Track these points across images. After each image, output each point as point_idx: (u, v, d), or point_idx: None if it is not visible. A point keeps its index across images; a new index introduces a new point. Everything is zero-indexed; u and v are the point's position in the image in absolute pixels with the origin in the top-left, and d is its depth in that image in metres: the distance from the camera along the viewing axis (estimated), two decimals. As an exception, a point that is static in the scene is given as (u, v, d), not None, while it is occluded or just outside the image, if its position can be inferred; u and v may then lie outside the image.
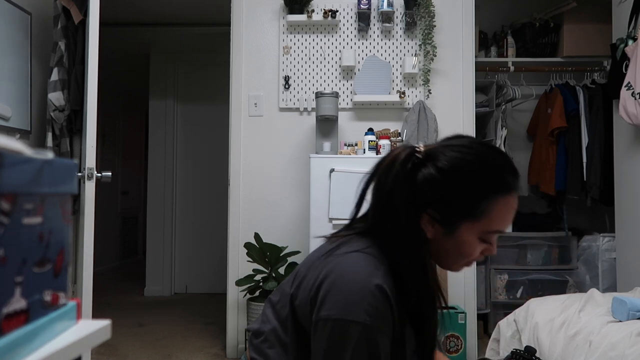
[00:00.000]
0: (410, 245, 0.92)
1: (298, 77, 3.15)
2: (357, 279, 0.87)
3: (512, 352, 1.61)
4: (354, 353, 0.85)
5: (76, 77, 2.89)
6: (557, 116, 3.47)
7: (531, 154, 3.76)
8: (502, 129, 3.53)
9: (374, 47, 3.15)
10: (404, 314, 0.92)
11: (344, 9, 3.16)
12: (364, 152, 2.86)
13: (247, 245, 2.90)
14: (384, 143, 2.86)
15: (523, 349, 1.79)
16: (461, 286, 3.06)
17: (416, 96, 3.13)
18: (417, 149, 0.94)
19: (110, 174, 2.47)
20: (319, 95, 2.88)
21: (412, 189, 0.91)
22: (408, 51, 3.15)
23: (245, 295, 2.95)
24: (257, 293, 2.89)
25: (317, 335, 0.89)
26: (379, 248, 0.93)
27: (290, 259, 2.91)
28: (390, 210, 0.92)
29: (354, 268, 0.89)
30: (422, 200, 0.91)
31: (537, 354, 1.74)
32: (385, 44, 3.16)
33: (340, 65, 3.13)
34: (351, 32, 3.16)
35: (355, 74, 3.13)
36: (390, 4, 3.06)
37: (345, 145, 2.92)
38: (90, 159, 2.42)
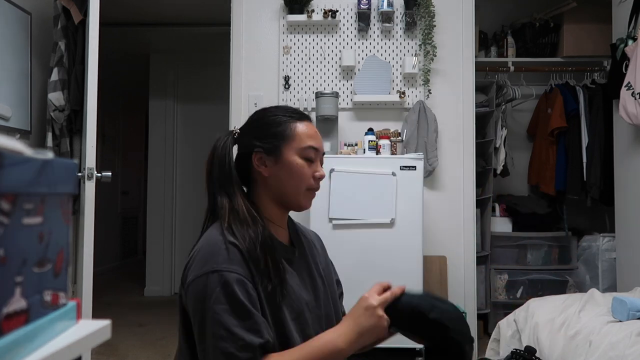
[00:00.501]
0: (236, 191, 1.13)
1: (298, 77, 3.15)
2: (208, 246, 1.05)
3: (512, 352, 1.61)
4: (214, 299, 0.98)
5: (76, 77, 2.89)
6: (557, 116, 3.47)
7: (531, 154, 3.76)
8: (502, 129, 3.53)
9: (374, 47, 3.15)
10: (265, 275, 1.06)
11: (344, 9, 3.16)
12: (364, 152, 2.86)
13: (247, 245, 2.90)
14: (384, 143, 2.86)
15: (523, 349, 1.79)
16: (461, 286, 3.06)
17: (416, 96, 3.13)
18: (234, 129, 1.20)
19: (110, 174, 2.47)
20: (319, 95, 2.88)
21: (233, 152, 1.15)
22: (408, 51, 3.15)
23: (245, 295, 2.95)
24: (257, 293, 2.89)
25: (187, 305, 1.03)
26: (215, 217, 1.14)
27: (290, 259, 2.91)
28: (215, 171, 1.15)
29: (205, 243, 1.07)
30: (246, 148, 1.15)
31: (537, 354, 1.74)
32: (385, 44, 3.16)
33: (340, 65, 3.13)
34: (351, 32, 3.16)
35: (355, 74, 3.13)
36: (390, 4, 3.06)
37: (345, 145, 2.92)
38: (90, 159, 2.42)
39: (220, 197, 1.13)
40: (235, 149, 1.19)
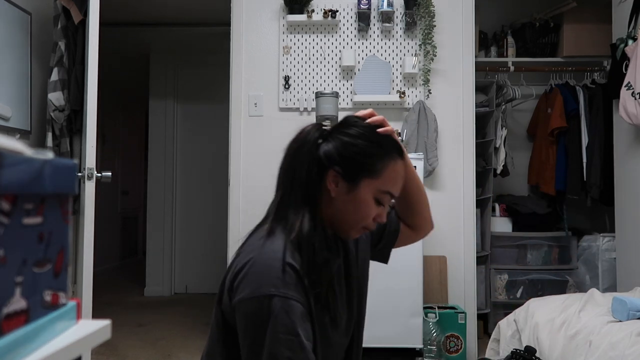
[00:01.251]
0: (311, 204, 1.04)
1: (298, 77, 3.15)
2: (263, 261, 0.97)
3: (512, 352, 1.61)
4: (272, 327, 0.92)
5: (76, 77, 2.89)
6: (557, 116, 3.47)
7: (531, 154, 3.76)
8: (502, 129, 3.53)
9: (374, 47, 3.15)
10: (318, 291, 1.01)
11: (344, 9, 3.16)
12: (364, 152, 2.85)
13: (247, 245, 2.90)
14: (384, 143, 2.86)
15: (523, 349, 1.79)
16: (461, 286, 3.06)
17: (416, 96, 3.13)
18: (325, 125, 1.11)
19: (110, 174, 2.47)
20: (319, 95, 2.88)
21: (316, 154, 1.06)
22: (408, 51, 3.15)
23: (245, 295, 2.95)
24: (257, 293, 2.89)
25: (237, 320, 0.97)
26: (283, 223, 1.05)
27: (290, 259, 2.91)
28: (295, 172, 1.08)
29: (263, 256, 0.99)
30: (327, 160, 1.05)
31: (537, 354, 1.74)
32: (385, 44, 3.16)
33: (340, 65, 3.13)
34: (351, 32, 3.16)
35: (355, 74, 3.13)
36: (390, 4, 3.06)
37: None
38: (90, 159, 2.42)
39: (295, 204, 1.05)
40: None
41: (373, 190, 1.05)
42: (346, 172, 1.05)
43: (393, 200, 1.13)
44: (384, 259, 1.32)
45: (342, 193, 1.05)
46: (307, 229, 1.01)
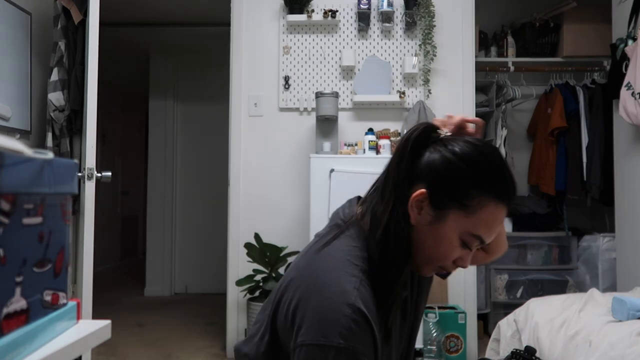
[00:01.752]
0: (398, 227, 0.87)
1: (298, 77, 3.15)
2: (330, 298, 0.82)
3: (512, 352, 1.61)
4: None
5: (76, 77, 2.89)
6: (557, 116, 3.46)
7: (531, 154, 3.76)
8: (502, 129, 3.53)
9: (374, 47, 3.15)
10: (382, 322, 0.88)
11: (344, 9, 3.16)
12: (364, 152, 2.86)
13: (247, 246, 2.90)
14: (384, 143, 2.86)
15: (523, 349, 1.79)
16: (461, 286, 3.06)
17: (416, 96, 3.13)
18: (437, 130, 0.91)
19: (110, 174, 2.47)
20: (319, 95, 2.88)
21: (413, 163, 0.88)
22: (408, 51, 3.15)
23: (245, 295, 2.95)
24: (257, 293, 2.89)
25: (292, 348, 0.84)
26: (360, 232, 0.91)
27: (290, 259, 2.91)
28: (389, 186, 0.89)
29: (325, 283, 0.84)
30: (420, 176, 0.87)
31: (537, 354, 1.74)
32: (385, 44, 3.16)
33: (340, 65, 3.13)
34: (351, 32, 3.16)
35: (355, 74, 3.13)
36: (390, 4, 3.06)
37: (345, 145, 2.92)
38: (90, 159, 2.42)
39: (396, 212, 0.87)
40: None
41: (460, 228, 0.86)
42: (435, 196, 0.86)
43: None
44: (442, 276, 1.09)
45: (423, 221, 0.87)
46: (389, 265, 0.86)
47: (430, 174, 0.86)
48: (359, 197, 1.04)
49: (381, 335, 0.86)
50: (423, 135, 0.89)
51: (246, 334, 2.89)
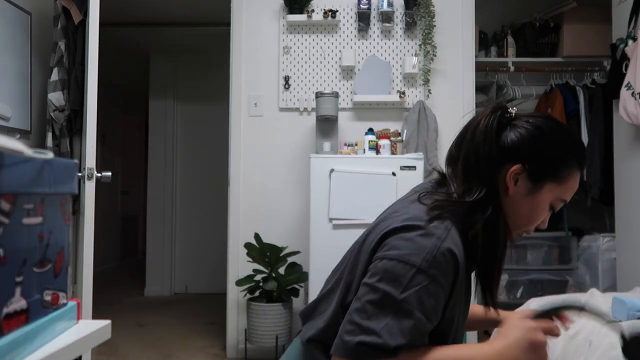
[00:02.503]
0: (488, 196, 0.94)
1: (298, 77, 3.15)
2: (428, 234, 0.89)
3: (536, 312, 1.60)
4: (409, 294, 0.86)
5: (76, 77, 2.89)
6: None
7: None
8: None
9: (374, 47, 3.15)
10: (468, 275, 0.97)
11: (344, 9, 3.16)
12: (364, 152, 2.86)
13: (247, 245, 2.90)
14: (384, 143, 2.86)
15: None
16: (461, 286, 3.06)
17: (416, 96, 3.13)
18: (509, 110, 0.99)
19: (110, 174, 2.47)
20: (319, 95, 2.88)
21: (499, 143, 0.96)
22: (408, 51, 3.15)
23: (245, 295, 2.95)
24: (257, 293, 2.89)
25: (372, 271, 0.90)
26: (457, 204, 0.96)
27: (290, 259, 2.91)
28: (475, 160, 0.96)
29: (427, 225, 0.91)
30: (513, 153, 0.95)
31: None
32: (385, 44, 3.16)
33: (340, 65, 3.13)
34: (351, 32, 3.16)
35: (355, 74, 3.13)
36: (390, 4, 3.06)
37: (345, 145, 2.92)
38: (90, 159, 2.42)
39: (474, 191, 0.95)
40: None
41: (553, 196, 0.98)
42: (533, 171, 0.95)
43: None
44: None
45: (520, 193, 0.96)
46: (481, 227, 0.94)
47: (524, 151, 0.95)
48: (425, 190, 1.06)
49: (462, 290, 0.95)
50: (502, 115, 0.98)
51: (246, 334, 2.90)
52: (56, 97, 2.82)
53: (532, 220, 1.00)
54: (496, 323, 1.11)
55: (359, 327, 0.87)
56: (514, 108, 1.00)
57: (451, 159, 1.03)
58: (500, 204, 0.96)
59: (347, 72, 3.14)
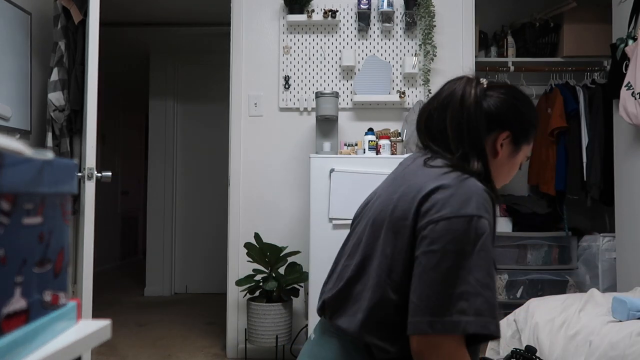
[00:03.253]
0: (485, 164, 1.04)
1: (298, 77, 3.15)
2: (466, 187, 0.97)
3: (512, 351, 1.61)
4: (481, 245, 0.92)
5: (76, 77, 2.89)
6: (557, 116, 3.46)
7: (531, 154, 3.76)
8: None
9: (374, 47, 3.15)
10: None
11: (344, 9, 3.16)
12: (364, 152, 2.86)
13: (247, 245, 2.90)
14: (384, 143, 2.86)
15: (524, 348, 1.79)
16: (461, 286, 3.06)
17: (416, 96, 3.13)
18: (480, 80, 1.09)
19: (110, 174, 2.47)
20: (319, 95, 2.88)
21: (484, 113, 1.05)
22: (408, 51, 3.15)
23: (245, 295, 2.95)
24: (257, 293, 2.89)
25: (435, 236, 0.92)
26: (462, 168, 1.03)
27: (290, 259, 2.91)
28: (472, 134, 1.03)
29: (457, 181, 0.98)
30: (498, 121, 1.06)
31: (537, 354, 1.74)
32: (385, 44, 3.16)
33: (340, 65, 3.13)
34: (351, 32, 3.16)
35: (355, 74, 3.13)
36: (390, 4, 3.06)
37: (345, 145, 2.92)
38: (90, 159, 2.42)
39: (471, 158, 1.03)
40: None
41: (524, 155, 1.12)
42: (516, 136, 1.08)
43: None
44: None
45: (504, 155, 1.08)
46: (483, 176, 1.03)
47: (508, 118, 1.07)
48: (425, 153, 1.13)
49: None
50: (478, 85, 1.07)
51: (246, 334, 2.90)
52: (56, 97, 2.82)
53: (510, 177, 1.14)
54: None
55: (451, 297, 0.89)
56: (482, 79, 1.09)
57: (432, 128, 1.09)
58: (489, 167, 1.05)
59: (347, 72, 3.14)
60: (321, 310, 1.11)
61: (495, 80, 1.18)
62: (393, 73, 3.14)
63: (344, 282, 1.05)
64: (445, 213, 0.93)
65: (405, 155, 2.57)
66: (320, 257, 2.63)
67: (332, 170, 2.69)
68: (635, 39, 2.66)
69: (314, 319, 2.63)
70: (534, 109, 1.14)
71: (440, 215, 0.93)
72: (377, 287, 0.98)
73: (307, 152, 3.06)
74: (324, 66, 3.15)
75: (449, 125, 1.04)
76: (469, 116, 1.03)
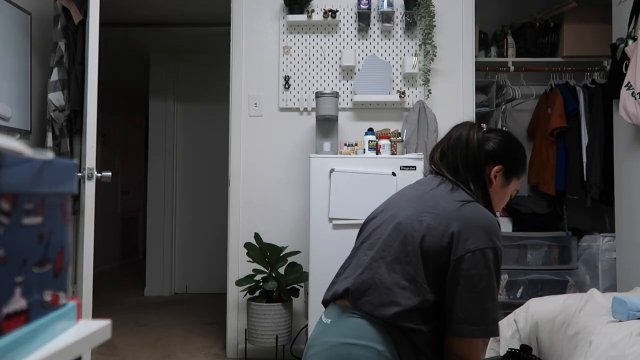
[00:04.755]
0: (485, 191, 1.34)
1: (298, 77, 3.15)
2: (485, 217, 1.25)
3: (507, 351, 1.61)
4: (498, 272, 1.23)
5: (76, 77, 2.89)
6: (557, 116, 3.46)
7: (531, 154, 3.76)
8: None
9: (374, 47, 3.15)
10: None
11: (344, 9, 3.16)
12: (364, 152, 2.86)
13: (247, 245, 2.90)
14: (384, 143, 2.86)
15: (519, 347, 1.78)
16: (461, 286, 3.06)
17: (416, 96, 3.13)
18: (481, 125, 1.39)
19: (110, 174, 2.47)
20: (319, 95, 2.88)
21: (484, 151, 1.34)
22: (408, 51, 3.15)
23: (245, 295, 2.95)
24: (257, 293, 2.89)
25: (472, 263, 1.20)
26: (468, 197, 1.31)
27: (290, 259, 2.91)
28: (475, 166, 1.33)
29: (478, 210, 1.26)
30: (496, 157, 1.34)
31: (534, 353, 1.74)
32: (385, 44, 3.16)
33: (340, 65, 3.13)
34: (351, 32, 3.16)
35: (355, 74, 3.13)
36: (390, 4, 3.06)
37: (345, 145, 2.92)
38: (90, 159, 2.42)
39: (473, 184, 1.32)
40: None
41: (514, 188, 1.39)
42: (507, 170, 1.35)
43: None
44: None
45: (497, 186, 1.36)
46: (486, 200, 1.32)
47: (502, 156, 1.35)
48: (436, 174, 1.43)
49: None
50: (479, 129, 1.38)
51: (246, 334, 2.90)
52: (56, 97, 2.82)
53: (502, 205, 1.41)
54: None
55: (486, 310, 1.21)
56: (483, 124, 1.40)
57: (444, 162, 1.38)
58: (489, 194, 1.34)
59: (347, 72, 3.14)
60: (341, 296, 1.29)
61: (490, 127, 1.48)
62: (393, 73, 3.14)
63: (370, 274, 1.26)
64: (479, 245, 1.21)
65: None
66: (320, 257, 2.63)
67: (332, 170, 2.69)
68: (635, 39, 2.66)
69: (314, 319, 2.62)
70: (524, 152, 1.41)
71: (475, 247, 1.21)
72: (416, 292, 1.21)
73: (307, 152, 3.06)
74: (324, 66, 3.15)
75: (460, 162, 1.34)
76: (473, 154, 1.33)
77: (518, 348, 1.66)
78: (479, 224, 1.23)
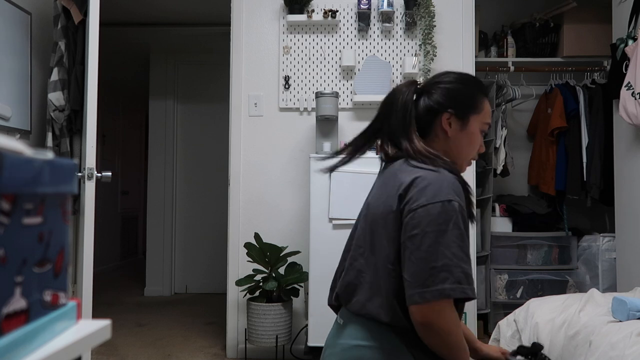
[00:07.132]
0: (444, 142, 1.26)
1: (298, 77, 3.15)
2: (428, 175, 1.15)
3: (518, 347, 1.60)
4: (453, 227, 1.09)
5: (76, 77, 2.89)
6: (557, 116, 3.47)
7: (531, 154, 3.76)
8: (502, 129, 3.53)
9: (374, 47, 3.15)
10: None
11: (344, 9, 3.16)
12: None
13: (247, 245, 2.90)
14: (384, 143, 2.86)
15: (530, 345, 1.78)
16: (461, 286, 3.06)
17: (416, 96, 3.13)
18: (418, 83, 1.31)
19: (110, 174, 2.47)
20: (319, 95, 2.88)
21: (422, 109, 1.27)
22: (408, 51, 3.15)
23: (245, 295, 2.95)
24: (257, 293, 2.89)
25: (412, 224, 1.11)
26: (421, 159, 1.22)
27: (290, 259, 2.91)
28: (423, 128, 1.27)
29: (423, 173, 1.16)
30: (439, 106, 1.25)
31: (543, 351, 1.73)
32: (385, 44, 3.16)
33: (340, 65, 3.13)
34: (351, 32, 3.16)
35: (355, 74, 3.13)
36: (390, 4, 3.06)
37: (345, 145, 2.92)
38: (90, 159, 2.42)
39: (402, 141, 1.25)
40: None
41: (479, 123, 1.28)
42: (458, 112, 1.25)
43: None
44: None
45: (456, 131, 1.26)
46: (422, 151, 1.22)
47: (445, 102, 1.25)
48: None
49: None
50: (416, 87, 1.30)
51: (246, 334, 2.89)
52: (56, 97, 2.82)
53: (473, 148, 1.30)
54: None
55: (434, 269, 1.08)
56: (420, 78, 1.26)
57: (378, 132, 1.36)
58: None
59: (347, 72, 3.14)
60: (336, 300, 1.29)
61: (434, 77, 1.35)
62: (393, 73, 3.14)
63: (353, 274, 1.24)
64: (422, 201, 1.11)
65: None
66: (320, 257, 2.63)
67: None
68: (635, 39, 2.66)
69: (314, 319, 2.63)
70: (467, 83, 1.30)
71: (417, 204, 1.11)
72: (388, 277, 1.15)
73: (307, 152, 3.05)
74: (324, 66, 3.15)
75: (402, 133, 1.27)
76: (397, 113, 1.26)
77: (529, 345, 1.64)
78: (421, 184, 1.14)
